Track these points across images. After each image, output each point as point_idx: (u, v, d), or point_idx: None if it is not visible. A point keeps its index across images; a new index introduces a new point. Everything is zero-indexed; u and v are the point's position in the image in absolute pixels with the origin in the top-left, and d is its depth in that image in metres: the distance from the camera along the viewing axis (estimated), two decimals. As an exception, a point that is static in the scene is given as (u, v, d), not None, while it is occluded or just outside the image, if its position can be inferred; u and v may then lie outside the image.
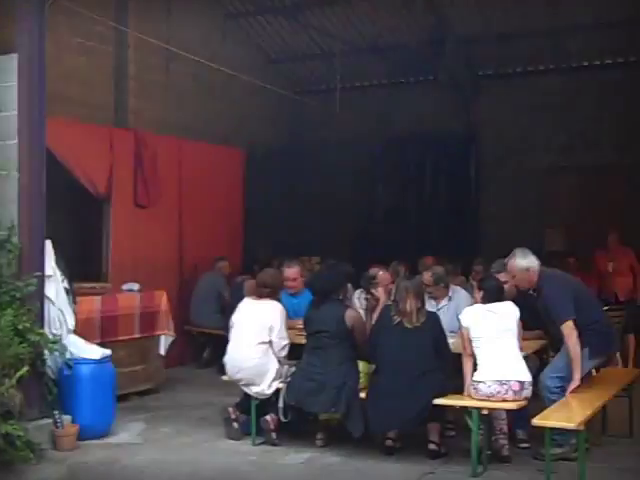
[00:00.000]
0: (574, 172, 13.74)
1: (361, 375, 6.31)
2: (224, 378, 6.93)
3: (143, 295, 8.78)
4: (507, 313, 6.00)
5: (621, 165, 13.33)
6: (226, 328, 7.02)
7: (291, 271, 7.65)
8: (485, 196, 14.55)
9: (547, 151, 13.98)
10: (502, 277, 6.79)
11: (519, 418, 6.12)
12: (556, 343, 6.42)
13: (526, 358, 6.09)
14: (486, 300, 6.06)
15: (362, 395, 6.20)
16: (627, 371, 7.02)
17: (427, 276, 7.26)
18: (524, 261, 6.30)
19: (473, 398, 5.90)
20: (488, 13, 13.14)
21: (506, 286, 6.74)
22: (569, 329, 5.97)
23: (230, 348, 6.77)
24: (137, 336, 8.53)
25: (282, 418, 6.45)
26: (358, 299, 7.29)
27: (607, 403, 6.27)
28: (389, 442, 6.28)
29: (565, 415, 5.55)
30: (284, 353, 6.66)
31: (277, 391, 6.53)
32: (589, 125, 13.63)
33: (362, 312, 7.06)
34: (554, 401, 5.83)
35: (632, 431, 6.80)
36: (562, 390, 5.93)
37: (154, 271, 9.98)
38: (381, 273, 7.28)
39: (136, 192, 9.98)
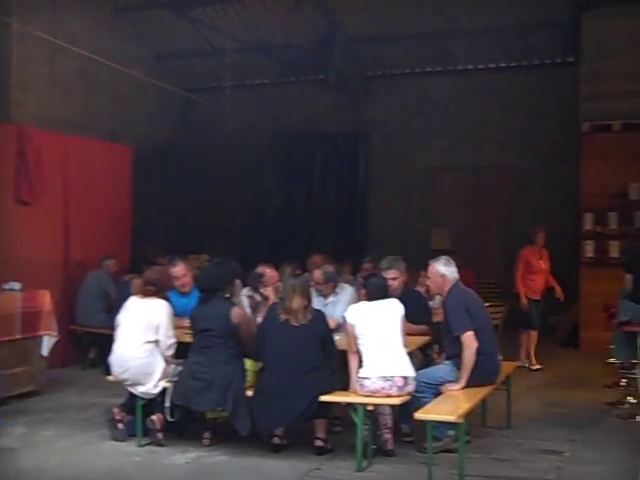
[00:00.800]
0: (460, 172, 14.14)
1: (248, 373, 6.30)
2: (109, 378, 6.80)
3: (25, 294, 8.51)
4: (391, 310, 6.11)
5: (505, 165, 13.80)
6: (112, 327, 6.90)
7: (176, 269, 7.59)
8: (374, 195, 14.81)
9: (434, 151, 14.34)
10: (390, 274, 6.94)
11: (403, 412, 6.24)
12: (446, 350, 6.57)
13: (410, 354, 6.22)
14: (371, 297, 6.16)
15: (249, 393, 6.20)
16: (505, 365, 7.25)
17: (318, 274, 7.32)
18: (443, 268, 6.47)
19: (358, 394, 5.98)
20: (377, 15, 13.36)
21: (395, 283, 6.90)
22: (470, 339, 6.16)
23: (116, 347, 6.65)
24: (18, 337, 8.26)
25: (168, 418, 6.38)
26: (246, 297, 7.28)
27: (486, 396, 6.48)
28: (276, 439, 6.30)
29: (446, 408, 5.70)
30: (171, 352, 6.59)
31: (163, 391, 6.45)
32: (474, 126, 14.05)
33: (249, 310, 7.07)
34: (419, 400, 5.97)
35: (510, 423, 7.05)
36: (432, 393, 6.09)
37: (38, 270, 9.67)
38: (269, 271, 7.30)
39: (19, 188, 9.68)
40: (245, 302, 7.21)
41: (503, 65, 14.07)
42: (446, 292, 6.47)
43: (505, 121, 13.84)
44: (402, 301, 6.60)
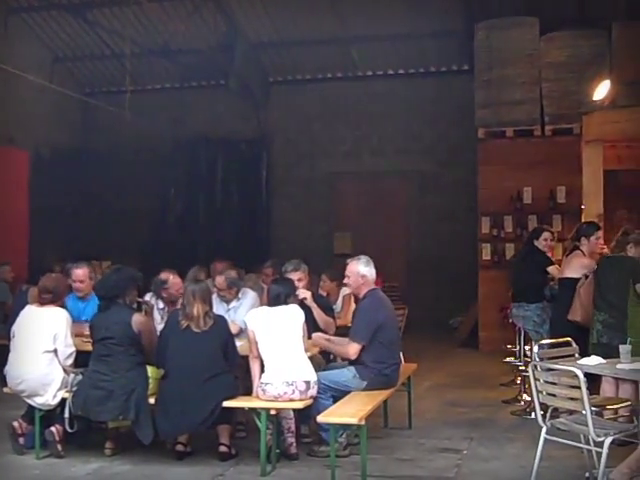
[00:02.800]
0: (361, 177, 14.34)
1: (150, 381, 6.23)
2: (5, 390, 6.61)
3: None
4: (293, 315, 6.15)
5: (406, 170, 14.08)
6: (8, 337, 6.70)
7: (79, 272, 7.40)
8: (276, 201, 14.86)
9: (335, 157, 14.50)
10: (296, 276, 6.97)
11: (304, 414, 6.30)
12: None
13: (311, 358, 6.27)
14: (272, 303, 6.19)
15: (151, 401, 6.13)
16: (406, 366, 7.39)
17: (220, 280, 7.29)
18: (364, 268, 6.45)
19: (261, 399, 6.00)
20: (278, 21, 13.44)
21: (300, 284, 6.94)
22: (353, 350, 6.25)
23: (11, 358, 6.46)
24: None
25: (68, 429, 6.25)
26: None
27: (388, 397, 6.60)
28: (180, 447, 6.25)
29: (348, 411, 5.77)
30: (70, 361, 6.45)
31: (63, 401, 6.31)
32: (375, 132, 14.28)
33: (158, 316, 6.99)
34: (320, 403, 6.04)
35: (411, 423, 7.19)
36: (333, 396, 6.17)
37: None
38: (172, 277, 7.23)
39: None
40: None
41: (402, 72, 14.34)
42: (363, 294, 6.49)
43: (405, 127, 14.12)
44: (305, 306, 6.69)
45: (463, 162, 13.04)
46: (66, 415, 6.21)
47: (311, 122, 14.63)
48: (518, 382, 8.31)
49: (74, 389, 6.25)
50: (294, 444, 6.26)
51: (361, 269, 6.44)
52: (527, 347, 8.15)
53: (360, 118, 14.30)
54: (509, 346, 8.95)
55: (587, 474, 5.54)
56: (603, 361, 5.68)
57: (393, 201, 14.25)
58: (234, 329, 6.73)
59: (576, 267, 7.24)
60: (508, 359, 8.82)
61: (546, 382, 5.28)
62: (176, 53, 14.13)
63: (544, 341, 6.48)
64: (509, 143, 11.47)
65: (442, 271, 13.53)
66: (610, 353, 5.94)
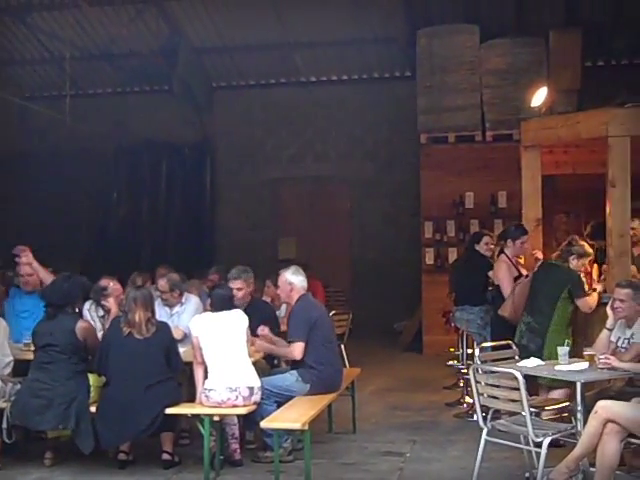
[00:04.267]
0: (304, 182, 14.36)
1: (92, 389, 6.16)
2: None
3: None
4: (236, 320, 6.13)
5: (349, 175, 14.15)
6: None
7: (26, 267, 7.30)
8: (220, 206, 14.80)
9: (279, 162, 14.50)
10: (236, 284, 6.95)
11: (248, 420, 6.28)
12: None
13: (255, 364, 6.26)
14: (215, 308, 6.16)
15: (93, 409, 6.05)
16: (349, 371, 7.44)
17: (162, 283, 7.23)
18: (292, 277, 6.56)
19: (205, 406, 5.97)
20: (221, 26, 13.40)
21: (239, 293, 6.92)
22: (297, 350, 6.31)
23: (-54, 369, 6.32)
24: None
25: (6, 439, 6.12)
26: (88, 311, 7.10)
27: (332, 402, 6.62)
28: (122, 455, 6.19)
29: (291, 416, 5.78)
30: (8, 370, 6.34)
31: (0, 411, 6.19)
32: (318, 137, 14.32)
33: (98, 324, 6.90)
34: (264, 408, 6.04)
35: (355, 427, 7.22)
36: (276, 401, 6.17)
37: None
38: (112, 284, 7.15)
39: None
40: (87, 315, 7.02)
41: (345, 78, 14.42)
42: (294, 301, 6.56)
43: (348, 132, 14.19)
44: (250, 312, 6.67)
45: (406, 167, 13.14)
46: (4, 426, 6.10)
47: (255, 127, 14.60)
48: (461, 385, 8.40)
49: (12, 399, 6.13)
50: (238, 450, 6.25)
51: (288, 277, 6.55)
52: (470, 350, 8.25)
53: (304, 123, 14.33)
54: (452, 349, 9.03)
55: (527, 474, 5.64)
56: (542, 363, 5.79)
57: (337, 206, 14.31)
58: (178, 334, 6.70)
59: (502, 274, 7.35)
60: (451, 362, 8.91)
61: (487, 384, 5.36)
62: (118, 57, 13.99)
63: (485, 344, 6.58)
64: (451, 148, 11.61)
65: (386, 276, 13.61)
66: (525, 355, 6.07)
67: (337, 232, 14.24)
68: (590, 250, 6.90)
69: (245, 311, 6.76)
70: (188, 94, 14.00)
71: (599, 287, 6.95)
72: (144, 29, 13.30)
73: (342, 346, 9.11)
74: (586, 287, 6.82)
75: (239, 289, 6.97)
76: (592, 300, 6.66)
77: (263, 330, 6.54)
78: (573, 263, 6.72)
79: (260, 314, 6.92)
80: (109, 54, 13.85)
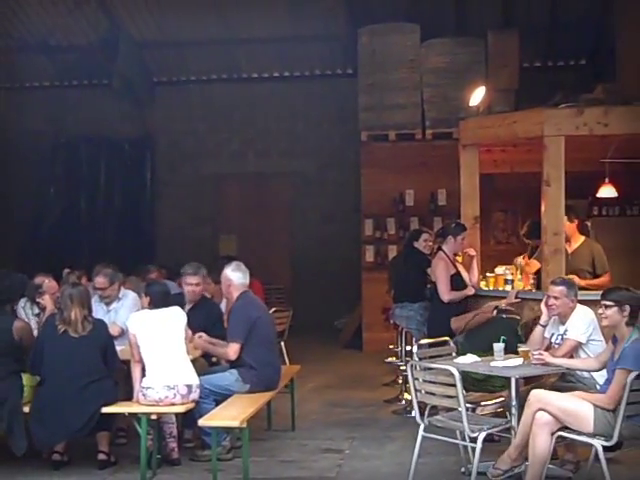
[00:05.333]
0: (246, 179, 14.32)
1: (25, 389, 6.04)
2: None
3: None
4: (174, 318, 6.08)
5: (290, 172, 14.15)
6: None
7: None
8: (161, 202, 14.67)
9: (220, 158, 14.42)
10: (194, 280, 6.92)
11: (187, 419, 6.24)
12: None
13: (194, 361, 6.22)
14: (153, 305, 6.10)
15: (26, 410, 5.94)
16: (289, 368, 7.44)
17: (100, 279, 7.11)
18: (232, 274, 6.50)
19: (142, 404, 5.90)
20: (162, 20, 13.26)
21: (197, 289, 6.87)
22: (233, 350, 6.28)
23: None
24: None
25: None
26: (23, 308, 6.96)
27: (271, 399, 6.61)
28: (56, 456, 6.08)
29: (230, 414, 5.76)
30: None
31: None
32: (259, 134, 14.29)
33: (33, 322, 6.77)
34: (202, 406, 6.01)
35: (294, 425, 7.22)
36: (215, 400, 6.15)
37: None
38: (47, 281, 7.02)
39: None
40: (22, 313, 6.88)
41: (287, 74, 14.40)
42: (234, 298, 6.52)
43: (289, 129, 14.18)
44: (197, 310, 6.65)
45: (347, 164, 13.19)
46: None
47: (196, 123, 14.51)
48: (400, 382, 8.46)
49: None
50: (176, 449, 6.19)
51: (228, 274, 6.50)
52: (409, 347, 8.30)
53: (245, 120, 14.27)
54: (391, 346, 9.10)
55: (463, 469, 5.71)
56: (478, 359, 5.86)
57: (278, 203, 14.30)
58: (115, 331, 6.63)
59: (440, 271, 7.42)
60: (390, 359, 8.97)
61: (424, 381, 5.42)
62: (56, 50, 13.72)
63: (423, 341, 6.64)
64: (391, 146, 11.67)
65: (327, 273, 13.65)
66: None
67: (278, 229, 14.24)
68: None
69: (192, 309, 6.77)
70: (128, 89, 13.82)
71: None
72: (83, 21, 13.11)
73: (282, 343, 9.13)
74: None
75: (197, 284, 6.93)
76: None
77: (200, 337, 6.49)
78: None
79: (207, 313, 6.89)
80: (47, 46, 13.58)
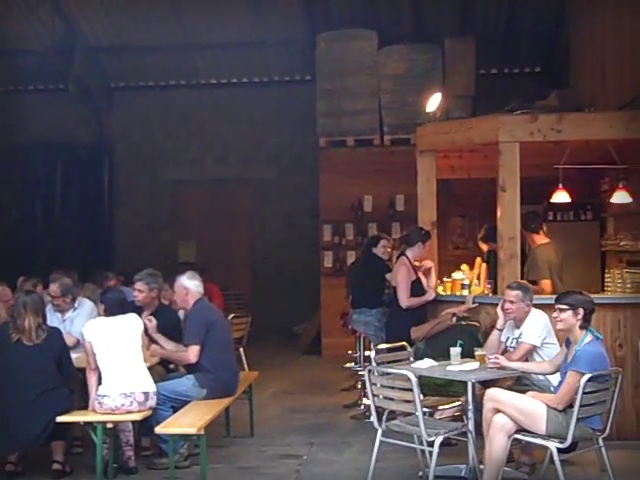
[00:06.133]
0: (205, 185, 14.26)
1: (-22, 399, 5.94)
2: None
3: None
4: (130, 325, 6.03)
5: (250, 178, 14.14)
6: None
7: None
8: (119, 209, 14.56)
9: (179, 164, 14.36)
10: (137, 286, 6.86)
11: (144, 426, 6.19)
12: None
13: (151, 368, 6.17)
14: (109, 313, 6.04)
15: (-22, 419, 5.84)
16: (247, 374, 7.42)
17: (54, 288, 7.04)
18: (187, 281, 6.52)
19: (98, 412, 5.84)
20: (119, 25, 13.17)
21: (139, 296, 6.80)
22: (192, 354, 6.27)
23: None
24: None
25: None
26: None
27: (228, 406, 6.59)
28: (9, 466, 5.98)
29: (187, 421, 5.72)
30: None
31: None
32: (219, 140, 14.24)
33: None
34: (160, 413, 5.97)
35: (253, 431, 7.20)
36: (172, 407, 6.11)
37: None
38: (0, 289, 6.93)
39: None
40: None
41: (245, 80, 14.38)
42: (190, 306, 6.52)
43: (248, 135, 14.15)
44: (156, 317, 6.59)
45: (305, 170, 13.20)
46: None
47: (154, 129, 14.42)
48: (359, 387, 8.48)
49: None
50: (133, 457, 6.13)
51: (184, 282, 6.52)
52: (367, 352, 8.32)
53: (204, 126, 14.23)
54: (350, 352, 9.12)
55: (420, 473, 5.74)
56: (435, 363, 5.90)
57: (237, 209, 14.26)
58: (70, 341, 6.54)
59: (402, 277, 7.44)
60: (348, 365, 8.99)
61: (382, 386, 5.44)
62: (11, 54, 13.53)
63: (381, 346, 6.67)
64: (349, 152, 11.72)
65: (286, 278, 13.64)
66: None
67: (238, 235, 14.20)
68: None
69: (150, 316, 6.71)
70: (85, 94, 13.69)
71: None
72: (39, 26, 12.96)
73: (241, 349, 9.11)
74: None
75: (140, 291, 6.87)
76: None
77: (155, 351, 6.45)
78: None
79: (165, 320, 6.83)
80: (2, 51, 13.40)
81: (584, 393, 4.89)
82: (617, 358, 6.57)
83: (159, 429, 5.66)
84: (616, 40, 9.06)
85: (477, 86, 11.79)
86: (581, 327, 5.20)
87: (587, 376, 4.89)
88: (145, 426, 6.12)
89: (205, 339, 6.31)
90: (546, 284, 7.77)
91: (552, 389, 5.49)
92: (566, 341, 5.39)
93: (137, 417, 5.88)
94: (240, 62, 13.84)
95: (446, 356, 5.90)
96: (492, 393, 5.26)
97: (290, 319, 12.78)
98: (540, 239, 7.99)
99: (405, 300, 7.31)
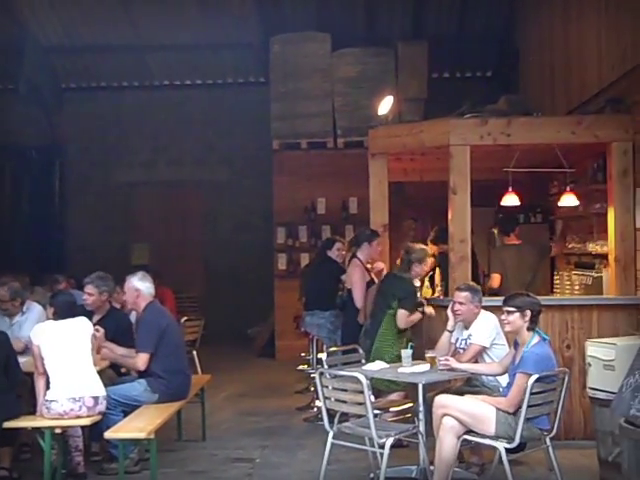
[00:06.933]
0: (159, 187, 14.17)
1: None
2: None
3: None
4: (80, 328, 5.95)
5: (203, 180, 14.08)
6: None
7: None
8: (72, 211, 14.40)
9: (132, 166, 14.26)
10: (86, 289, 6.79)
11: (93, 431, 6.12)
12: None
13: (101, 372, 6.11)
14: (58, 316, 5.96)
15: None
16: (199, 377, 7.38)
17: (2, 291, 6.93)
18: (139, 283, 6.43)
19: (46, 418, 5.75)
20: (70, 25, 13.03)
21: (89, 299, 6.73)
22: (142, 361, 6.21)
23: None
24: None
25: None
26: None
27: (180, 409, 6.54)
28: (-44, 474, 5.89)
29: (137, 426, 5.67)
30: None
31: None
32: (172, 141, 14.18)
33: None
34: (110, 418, 5.92)
35: (205, 435, 7.16)
36: (123, 411, 6.06)
37: None
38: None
39: None
40: None
41: (199, 82, 14.32)
42: (142, 308, 6.46)
43: (202, 137, 14.11)
44: (105, 322, 6.52)
45: (259, 173, 13.18)
46: None
47: (107, 131, 14.30)
48: (312, 389, 8.47)
49: None
50: (82, 463, 6.06)
51: (135, 284, 6.45)
52: (321, 355, 8.33)
53: (157, 128, 14.15)
54: (303, 354, 9.12)
55: (371, 474, 5.76)
56: (386, 366, 5.94)
57: (191, 211, 14.20)
58: (18, 346, 6.43)
59: (357, 278, 7.46)
60: (302, 367, 9.00)
61: (334, 388, 5.45)
62: (-43, 54, 13.33)
63: (333, 348, 6.68)
64: (303, 155, 11.74)
65: (240, 281, 13.62)
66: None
67: (191, 237, 14.14)
68: (428, 250, 7.09)
69: (101, 320, 6.65)
70: (35, 95, 13.52)
71: (428, 309, 7.01)
72: (-13, 25, 12.76)
73: (195, 353, 9.06)
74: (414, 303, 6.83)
75: (89, 294, 6.81)
76: (411, 318, 6.66)
77: (105, 355, 6.39)
78: (417, 270, 6.85)
79: (116, 324, 6.76)
80: (-51, 51, 13.19)
81: (531, 394, 4.95)
82: (565, 359, 6.69)
83: (108, 434, 5.60)
84: (564, 46, 9.21)
85: (430, 90, 11.90)
86: (528, 329, 5.27)
87: (534, 377, 4.95)
88: (95, 431, 6.04)
89: (157, 345, 6.25)
90: (494, 277, 8.05)
91: (501, 390, 5.55)
92: (514, 343, 5.45)
93: (86, 422, 5.80)
94: (193, 64, 13.80)
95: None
96: (441, 400, 5.29)
97: (244, 322, 12.75)
98: (510, 241, 8.34)
99: (361, 300, 7.32)
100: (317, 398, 7.96)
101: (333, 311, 7.94)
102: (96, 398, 5.80)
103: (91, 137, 14.28)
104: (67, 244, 14.36)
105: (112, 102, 14.22)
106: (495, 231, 8.85)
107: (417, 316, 6.72)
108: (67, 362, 5.80)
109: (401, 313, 6.62)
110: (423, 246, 7.08)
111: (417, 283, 7.05)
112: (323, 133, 11.71)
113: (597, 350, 5.95)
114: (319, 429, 7.07)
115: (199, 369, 8.81)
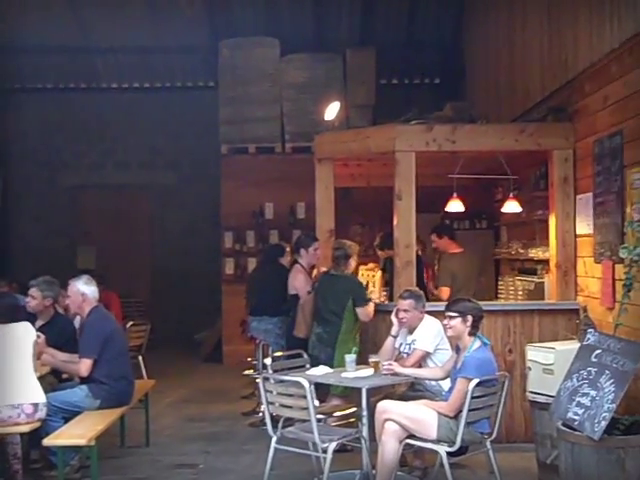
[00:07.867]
0: (105, 191, 14.03)
1: None
2: None
3: None
4: (22, 333, 5.85)
5: (150, 184, 13.98)
6: None
7: None
8: (15, 214, 14.16)
9: (78, 169, 14.10)
10: (30, 292, 6.72)
11: (33, 438, 6.02)
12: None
13: (42, 378, 6.01)
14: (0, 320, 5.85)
15: None
16: (143, 383, 7.30)
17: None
18: (84, 287, 6.35)
19: (-22, 425, 5.64)
20: (16, 25, 12.81)
21: (31, 302, 6.64)
22: (85, 367, 6.13)
23: None
24: None
25: None
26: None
27: (122, 415, 6.48)
28: None
29: (77, 432, 5.59)
30: None
31: None
32: (120, 145, 14.05)
33: None
34: (50, 425, 5.83)
35: (149, 441, 7.10)
36: (63, 417, 5.98)
37: None
38: None
39: None
40: None
41: (147, 85, 14.21)
42: (87, 313, 6.38)
43: (150, 140, 14.00)
44: (48, 327, 6.44)
45: (207, 177, 13.11)
46: None
47: (53, 133, 14.10)
48: (257, 394, 8.46)
49: None
50: (20, 471, 5.93)
51: (81, 287, 6.38)
52: (266, 360, 8.31)
53: (104, 130, 14.01)
54: (250, 359, 9.09)
55: (315, 479, 5.76)
56: (330, 371, 5.95)
57: (137, 215, 14.08)
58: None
59: (299, 284, 7.47)
60: (248, 372, 8.97)
61: (277, 393, 5.44)
62: None
63: (277, 353, 6.67)
64: (251, 159, 11.71)
65: (187, 286, 13.54)
66: (316, 365, 6.18)
67: (138, 241, 14.02)
68: (355, 245, 7.09)
69: (45, 326, 6.56)
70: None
71: (373, 296, 7.12)
72: None
73: (140, 358, 8.98)
74: (368, 295, 7.03)
75: (32, 297, 6.73)
76: (370, 309, 6.82)
77: (46, 360, 6.30)
78: (352, 265, 6.94)
79: (60, 329, 6.68)
80: None
81: (472, 398, 5.01)
82: (507, 363, 6.79)
83: (47, 441, 5.52)
84: (509, 55, 9.35)
85: (378, 96, 11.97)
86: (470, 334, 5.33)
87: (475, 381, 5.01)
88: (34, 438, 5.95)
89: (101, 351, 6.17)
90: (444, 291, 8.11)
91: (443, 394, 5.61)
92: (455, 347, 5.52)
93: (25, 429, 5.70)
94: (142, 67, 13.69)
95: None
96: (383, 405, 5.33)
97: (191, 326, 12.67)
98: (452, 248, 8.38)
99: (305, 297, 7.33)
100: (262, 403, 7.98)
101: (281, 317, 7.93)
102: (36, 405, 5.71)
103: (37, 139, 14.07)
104: (11, 247, 14.12)
105: (59, 103, 14.01)
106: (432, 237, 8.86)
107: (372, 306, 6.86)
108: (6, 368, 5.70)
109: (363, 309, 6.73)
110: (348, 241, 7.13)
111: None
112: (271, 138, 11.70)
113: (537, 354, 6.05)
114: (264, 434, 7.01)
115: (145, 374, 8.73)
